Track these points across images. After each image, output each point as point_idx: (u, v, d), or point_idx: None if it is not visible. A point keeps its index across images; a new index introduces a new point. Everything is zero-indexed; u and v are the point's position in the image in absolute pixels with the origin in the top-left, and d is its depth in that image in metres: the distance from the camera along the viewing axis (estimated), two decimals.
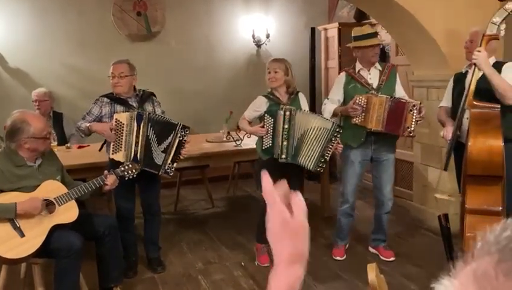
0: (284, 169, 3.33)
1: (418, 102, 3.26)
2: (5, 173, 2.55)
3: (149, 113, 3.16)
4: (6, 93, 5.17)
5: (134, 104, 3.26)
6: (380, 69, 3.43)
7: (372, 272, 1.34)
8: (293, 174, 3.41)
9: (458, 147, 3.00)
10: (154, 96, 3.42)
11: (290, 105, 3.29)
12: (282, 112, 3.20)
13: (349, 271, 3.39)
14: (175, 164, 3.20)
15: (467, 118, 2.94)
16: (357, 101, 3.21)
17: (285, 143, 3.22)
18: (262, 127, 3.27)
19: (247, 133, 3.58)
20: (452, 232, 2.89)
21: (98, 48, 5.32)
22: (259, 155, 3.38)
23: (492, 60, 3.01)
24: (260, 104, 3.37)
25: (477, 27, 3.15)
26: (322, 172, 4.47)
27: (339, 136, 3.19)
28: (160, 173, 3.19)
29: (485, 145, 2.56)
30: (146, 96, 3.34)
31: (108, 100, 3.24)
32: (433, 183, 4.18)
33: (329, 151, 3.20)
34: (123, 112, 3.18)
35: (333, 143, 3.19)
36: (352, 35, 3.43)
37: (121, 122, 3.08)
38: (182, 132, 3.17)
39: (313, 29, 6.03)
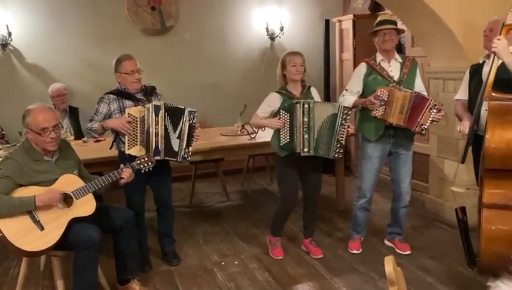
0: (303, 163, 3.32)
1: (440, 103, 3.18)
2: (24, 167, 2.58)
3: (165, 103, 3.15)
4: (24, 88, 5.25)
5: (142, 98, 3.25)
6: (401, 61, 3.34)
7: (389, 265, 1.33)
8: (312, 167, 3.40)
9: (476, 139, 2.95)
10: (155, 89, 3.39)
11: (304, 99, 3.23)
12: (299, 106, 3.14)
13: (365, 264, 3.38)
14: (191, 148, 3.21)
15: (486, 110, 2.89)
16: (379, 94, 3.14)
17: (306, 136, 3.16)
18: (279, 119, 3.23)
19: (261, 127, 3.49)
20: (470, 225, 2.85)
21: (112, 43, 5.35)
22: (277, 152, 3.31)
23: None
24: (274, 100, 3.29)
25: (497, 16, 3.08)
26: (338, 163, 4.48)
27: (348, 117, 3.16)
28: (177, 160, 3.18)
29: (503, 138, 2.47)
30: (150, 90, 3.33)
31: (115, 96, 3.20)
32: (450, 176, 4.13)
33: (343, 134, 3.16)
34: (132, 106, 3.16)
35: (344, 126, 3.15)
36: (374, 23, 3.38)
37: (133, 116, 3.08)
38: (190, 115, 3.19)
39: (327, 21, 5.98)
